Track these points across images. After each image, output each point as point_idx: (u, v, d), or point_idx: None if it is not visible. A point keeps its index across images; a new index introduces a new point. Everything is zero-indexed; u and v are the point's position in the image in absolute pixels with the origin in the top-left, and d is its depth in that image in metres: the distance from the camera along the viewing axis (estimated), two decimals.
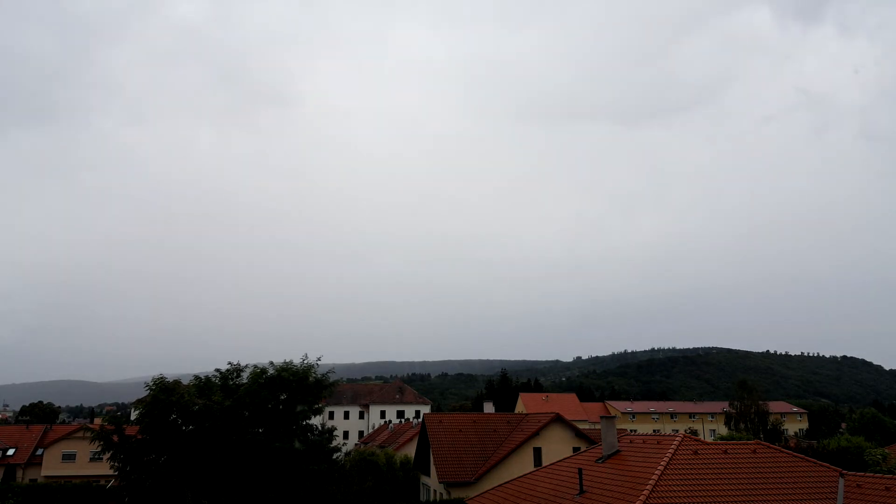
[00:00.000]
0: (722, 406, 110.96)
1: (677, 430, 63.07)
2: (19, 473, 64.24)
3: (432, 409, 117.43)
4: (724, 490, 19.77)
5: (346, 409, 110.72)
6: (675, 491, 19.52)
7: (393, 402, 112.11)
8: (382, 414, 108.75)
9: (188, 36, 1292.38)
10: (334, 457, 37.55)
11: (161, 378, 34.24)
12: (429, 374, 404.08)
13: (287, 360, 36.41)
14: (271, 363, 36.40)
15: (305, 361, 36.21)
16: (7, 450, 65.36)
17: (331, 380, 37.34)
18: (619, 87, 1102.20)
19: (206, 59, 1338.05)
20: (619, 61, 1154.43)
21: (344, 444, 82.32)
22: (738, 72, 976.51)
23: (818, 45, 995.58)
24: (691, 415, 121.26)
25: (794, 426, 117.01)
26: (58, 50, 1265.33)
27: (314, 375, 35.86)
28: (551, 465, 28.44)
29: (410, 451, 52.99)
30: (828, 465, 22.72)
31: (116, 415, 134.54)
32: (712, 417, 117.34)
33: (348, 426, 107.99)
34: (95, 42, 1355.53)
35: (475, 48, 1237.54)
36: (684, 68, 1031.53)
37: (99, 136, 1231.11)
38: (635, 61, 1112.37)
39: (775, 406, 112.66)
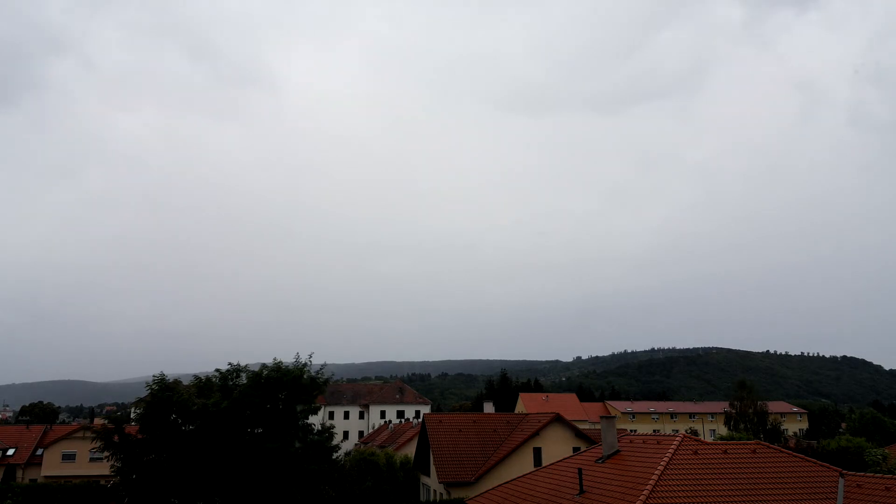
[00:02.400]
0: (722, 406, 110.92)
1: (677, 430, 63.13)
2: (19, 473, 64.22)
3: (432, 409, 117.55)
4: (724, 490, 19.78)
5: (346, 409, 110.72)
6: (675, 491, 19.53)
7: (393, 402, 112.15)
8: (382, 414, 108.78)
9: (163, 12, 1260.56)
10: (334, 457, 37.48)
11: (161, 377, 34.27)
12: (429, 374, 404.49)
13: (277, 360, 36.08)
14: (266, 365, 36.30)
15: (297, 361, 36.09)
16: (7, 450, 65.34)
17: (325, 376, 37.25)
18: (601, 76, 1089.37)
19: (182, 39, 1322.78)
20: (600, 50, 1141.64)
21: (344, 443, 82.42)
22: (720, 59, 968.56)
23: (803, 32, 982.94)
24: (691, 415, 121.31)
25: (794, 426, 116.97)
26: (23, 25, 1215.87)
27: (308, 374, 35.76)
28: (551, 465, 28.46)
29: (410, 451, 53.01)
30: (828, 465, 22.72)
31: (116, 415, 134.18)
32: (712, 417, 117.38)
33: (348, 426, 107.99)
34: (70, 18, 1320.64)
35: (452, 37, 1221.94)
36: (667, 56, 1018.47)
37: (94, 129, 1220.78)
38: (618, 49, 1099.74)
39: (775, 406, 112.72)
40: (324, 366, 38.12)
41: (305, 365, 35.92)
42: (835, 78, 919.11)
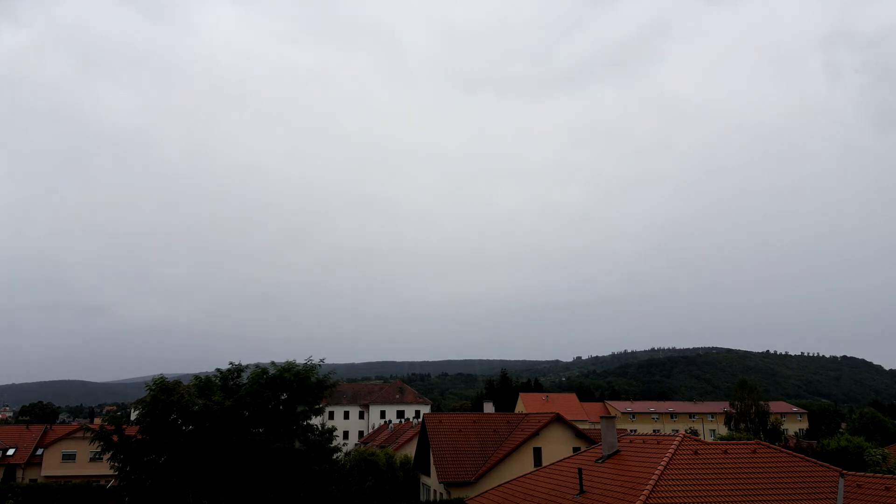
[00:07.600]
0: (722, 406, 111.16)
1: (677, 430, 63.11)
2: (19, 473, 64.31)
3: (432, 409, 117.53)
4: (724, 490, 19.80)
5: (346, 409, 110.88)
6: (675, 491, 19.55)
7: (393, 402, 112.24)
8: (382, 414, 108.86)
9: None
10: (334, 457, 37.54)
11: (161, 378, 34.25)
12: (429, 374, 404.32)
13: (290, 361, 36.41)
14: (273, 363, 36.45)
15: (309, 362, 36.22)
16: (7, 450, 65.43)
17: (332, 381, 37.43)
18: (569, 50, 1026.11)
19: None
20: (550, 24, 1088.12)
21: (344, 444, 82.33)
22: (684, 28, 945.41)
23: None
24: (691, 415, 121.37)
25: (794, 426, 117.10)
26: None
27: (316, 376, 35.88)
28: (551, 465, 28.48)
29: (410, 451, 53.03)
30: (828, 465, 22.74)
31: (116, 415, 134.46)
32: (712, 417, 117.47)
33: (348, 426, 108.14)
34: None
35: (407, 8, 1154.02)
36: (624, 26, 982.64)
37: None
38: (580, 20, 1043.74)
39: (775, 406, 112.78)
40: (332, 372, 38.29)
41: (314, 367, 36.01)
42: (804, 38, 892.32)
